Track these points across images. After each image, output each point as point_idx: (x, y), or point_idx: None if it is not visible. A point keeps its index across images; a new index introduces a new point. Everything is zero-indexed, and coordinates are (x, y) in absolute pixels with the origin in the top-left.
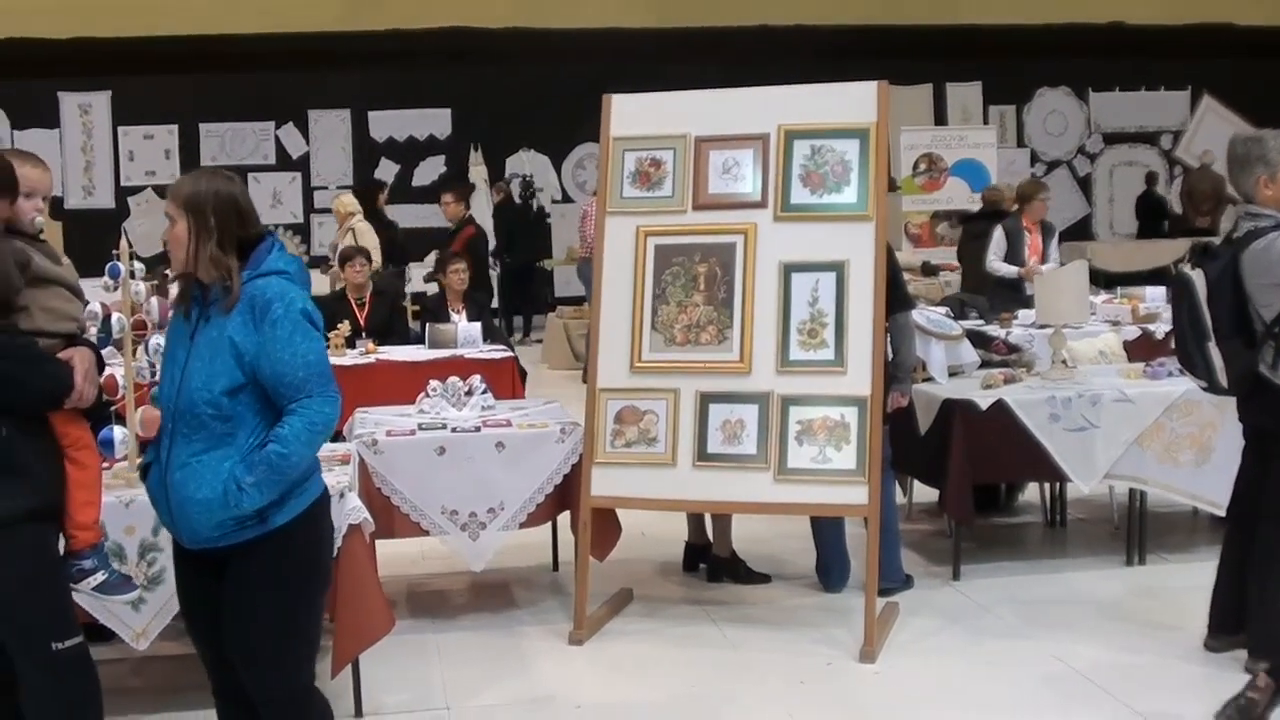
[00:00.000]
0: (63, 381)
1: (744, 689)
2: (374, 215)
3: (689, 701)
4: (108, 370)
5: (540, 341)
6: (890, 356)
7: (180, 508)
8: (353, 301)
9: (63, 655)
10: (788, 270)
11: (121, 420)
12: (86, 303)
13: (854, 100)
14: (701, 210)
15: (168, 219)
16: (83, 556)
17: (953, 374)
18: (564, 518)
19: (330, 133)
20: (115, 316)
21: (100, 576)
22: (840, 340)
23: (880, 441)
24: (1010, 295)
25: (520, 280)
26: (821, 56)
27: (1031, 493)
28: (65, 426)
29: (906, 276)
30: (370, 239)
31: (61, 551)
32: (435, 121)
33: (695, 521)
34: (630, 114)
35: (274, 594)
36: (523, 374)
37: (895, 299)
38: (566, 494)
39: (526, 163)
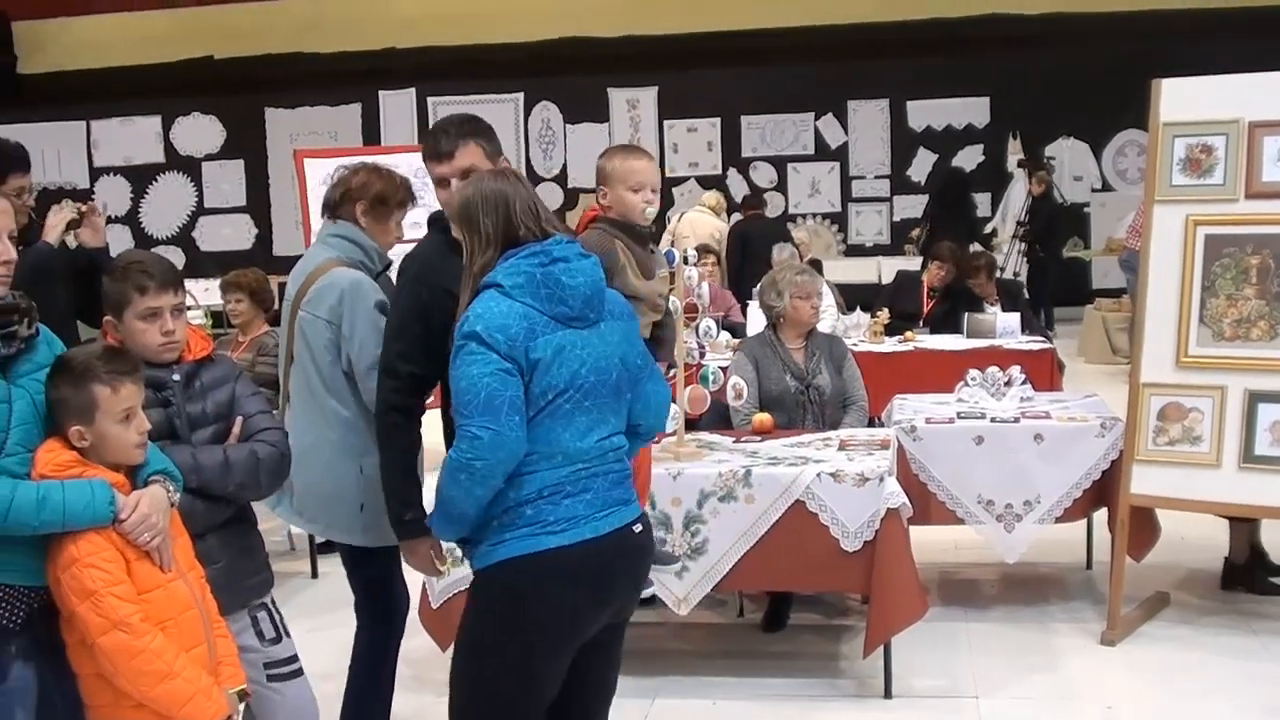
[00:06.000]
0: None
1: None
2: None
3: (1224, 714)
4: None
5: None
6: None
7: None
8: (926, 292)
9: None
10: None
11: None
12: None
13: None
14: (1255, 199)
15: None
16: None
17: None
18: (1100, 515)
19: (869, 123)
20: (670, 300)
21: None
22: None
23: None
24: None
25: (1046, 272)
26: None
27: None
28: None
29: None
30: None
31: None
32: (973, 110)
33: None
34: (1181, 98)
35: (460, 643)
36: (1060, 366)
37: None
38: (1104, 490)
39: (1066, 150)
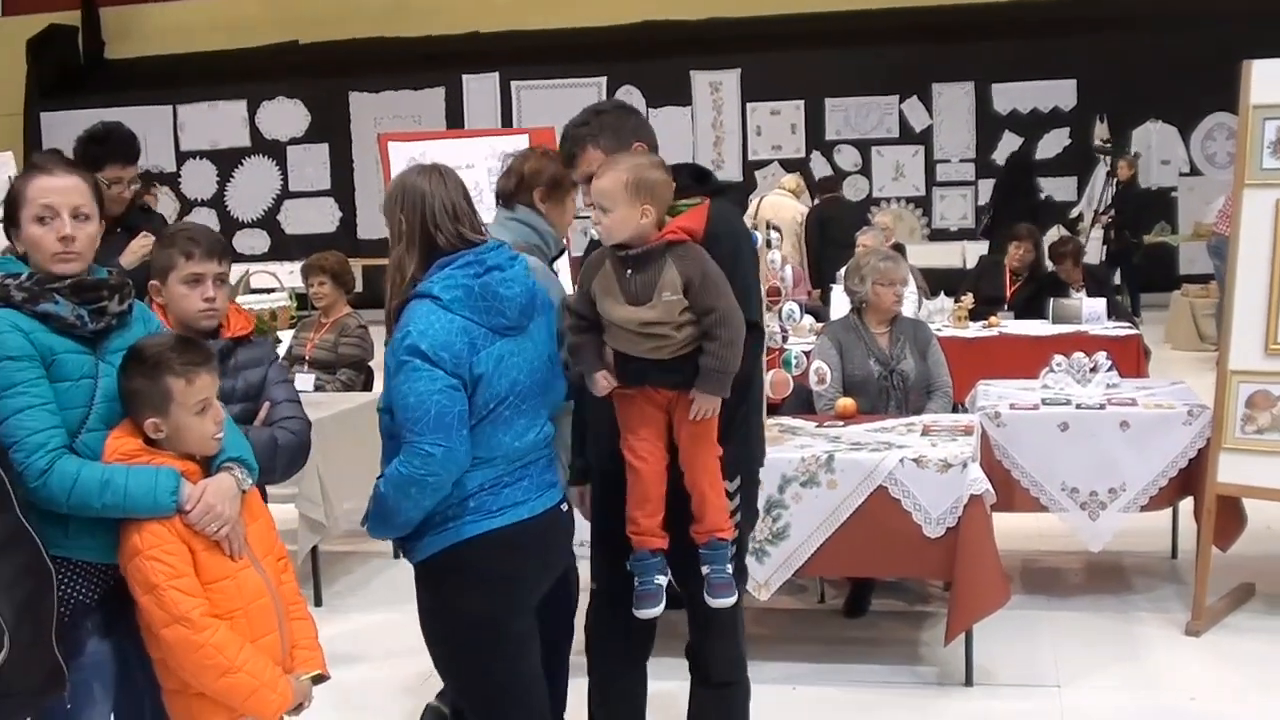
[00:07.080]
0: None
1: None
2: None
3: None
4: None
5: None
6: None
7: None
8: (1009, 277)
9: None
10: None
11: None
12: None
13: None
14: None
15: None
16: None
17: None
18: (1186, 504)
19: (953, 105)
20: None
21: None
22: None
23: None
24: None
25: (1132, 257)
26: None
27: None
28: None
29: None
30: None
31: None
32: (1059, 92)
33: None
34: (1272, 80)
35: (426, 630)
36: (1146, 353)
37: None
38: (1190, 479)
39: (1153, 133)
